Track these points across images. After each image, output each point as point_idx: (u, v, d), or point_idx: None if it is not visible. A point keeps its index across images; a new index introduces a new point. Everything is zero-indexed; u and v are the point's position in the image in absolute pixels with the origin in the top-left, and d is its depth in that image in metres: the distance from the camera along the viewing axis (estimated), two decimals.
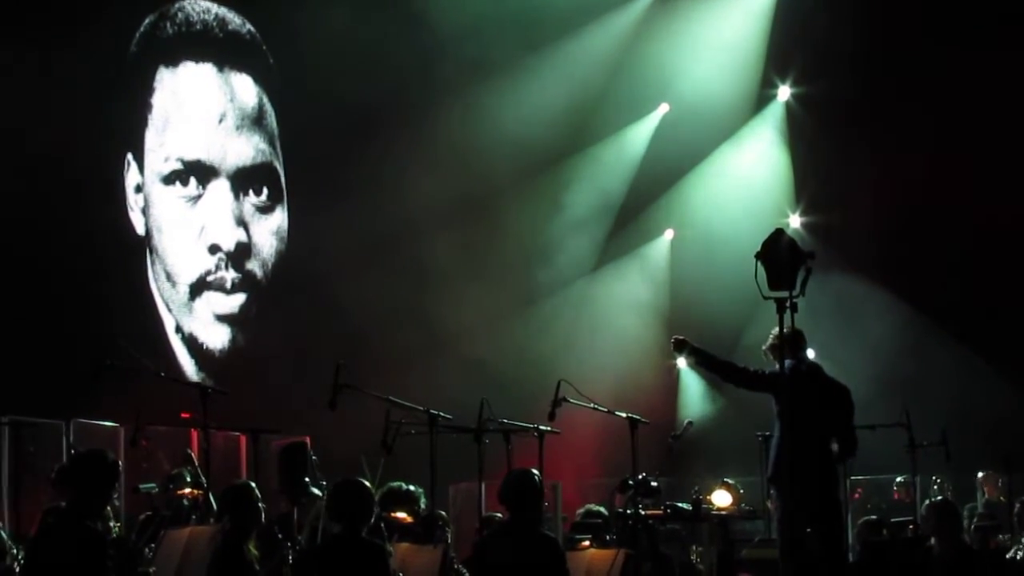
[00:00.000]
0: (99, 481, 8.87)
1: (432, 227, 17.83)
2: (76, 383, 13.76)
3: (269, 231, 17.91)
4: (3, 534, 10.45)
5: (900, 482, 16.66)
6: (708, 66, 19.06)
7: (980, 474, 15.51)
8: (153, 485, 11.59)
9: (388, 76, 17.56)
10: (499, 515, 11.22)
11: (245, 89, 17.83)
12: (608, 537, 11.95)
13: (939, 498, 13.37)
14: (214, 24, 17.65)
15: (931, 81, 17.90)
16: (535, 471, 9.58)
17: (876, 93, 18.35)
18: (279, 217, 18.01)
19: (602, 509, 12.96)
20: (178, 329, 17.12)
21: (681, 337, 11.47)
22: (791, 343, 10.55)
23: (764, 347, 11.29)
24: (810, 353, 11.79)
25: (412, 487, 11.32)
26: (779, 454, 10.94)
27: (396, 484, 11.30)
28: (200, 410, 10.73)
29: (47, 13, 15.42)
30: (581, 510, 13.11)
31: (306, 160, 17.96)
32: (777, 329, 9.67)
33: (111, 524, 10.65)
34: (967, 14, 17.74)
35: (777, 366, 10.56)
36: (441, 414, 10.82)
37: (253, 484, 10.13)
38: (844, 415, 11.16)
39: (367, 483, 9.50)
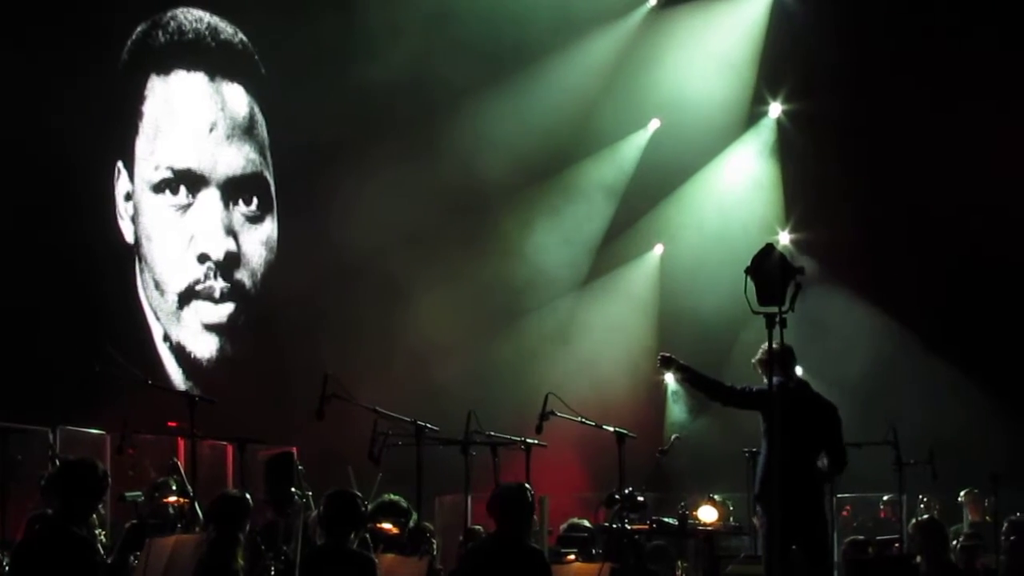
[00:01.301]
0: (88, 491, 8.80)
1: (421, 240, 17.80)
2: (64, 390, 13.77)
3: (258, 241, 17.88)
4: None
5: (886, 500, 16.66)
6: (700, 82, 19.08)
7: (962, 493, 15.50)
8: (139, 493, 11.52)
9: (380, 88, 17.54)
10: (480, 528, 11.23)
11: (236, 99, 17.81)
12: (594, 551, 11.94)
13: (925, 516, 13.34)
14: (206, 33, 17.63)
15: (921, 99, 17.91)
16: (527, 485, 9.56)
17: (866, 111, 18.36)
18: (269, 227, 17.98)
19: (586, 523, 12.94)
20: (166, 338, 17.09)
21: (667, 354, 11.36)
22: (780, 360, 10.53)
23: (754, 360, 11.23)
24: (798, 370, 11.77)
25: (407, 504, 11.25)
26: (766, 471, 10.92)
27: (396, 497, 11.23)
28: (187, 419, 10.72)
29: (39, 21, 15.41)
30: (565, 524, 13.09)
31: (297, 170, 17.93)
32: (767, 343, 9.64)
33: (96, 531, 10.59)
34: (958, 30, 17.78)
35: (765, 382, 10.54)
36: (428, 426, 10.82)
37: (248, 496, 10.10)
38: (832, 432, 11.12)
39: (358, 495, 9.50)
